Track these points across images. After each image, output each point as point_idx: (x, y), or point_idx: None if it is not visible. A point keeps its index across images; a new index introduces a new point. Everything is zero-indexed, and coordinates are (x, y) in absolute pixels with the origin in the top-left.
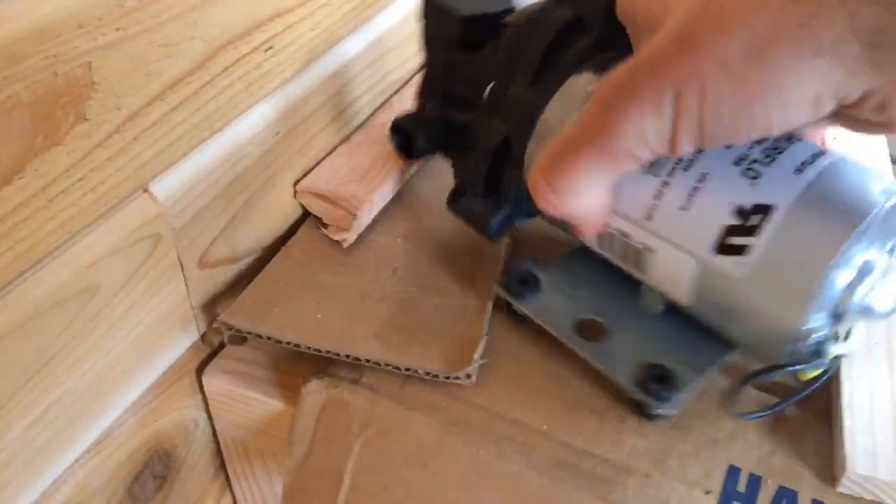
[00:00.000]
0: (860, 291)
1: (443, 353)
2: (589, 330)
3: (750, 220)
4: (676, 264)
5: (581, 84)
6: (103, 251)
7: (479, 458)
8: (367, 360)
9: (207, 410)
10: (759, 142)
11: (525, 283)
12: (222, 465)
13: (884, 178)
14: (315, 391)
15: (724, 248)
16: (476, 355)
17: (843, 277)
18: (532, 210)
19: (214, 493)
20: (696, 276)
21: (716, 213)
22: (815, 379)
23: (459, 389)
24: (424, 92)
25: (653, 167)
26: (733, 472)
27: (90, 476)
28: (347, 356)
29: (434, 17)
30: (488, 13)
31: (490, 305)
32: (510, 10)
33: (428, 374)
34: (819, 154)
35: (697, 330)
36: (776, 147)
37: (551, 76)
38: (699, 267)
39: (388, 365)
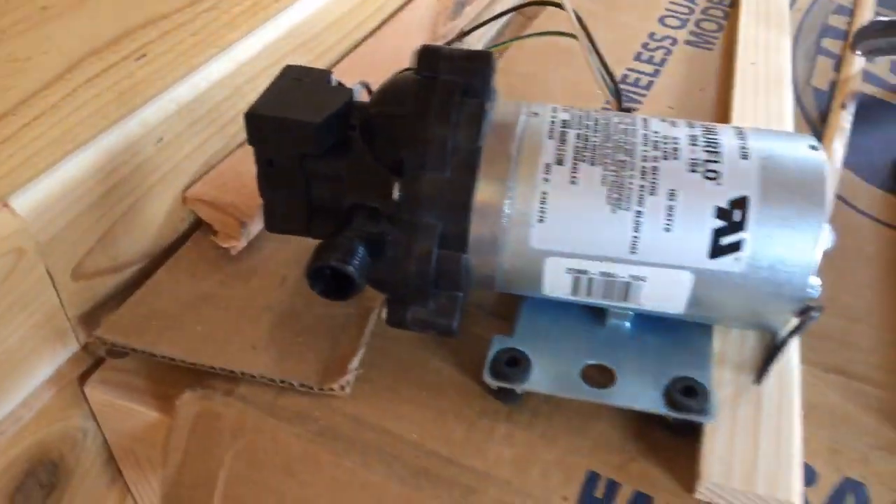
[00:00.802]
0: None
1: (320, 363)
2: (590, 376)
3: (733, 216)
4: (670, 283)
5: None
6: None
7: (344, 467)
8: (242, 373)
9: (96, 419)
10: (692, 142)
11: (516, 363)
12: (119, 472)
13: (798, 136)
14: (189, 403)
15: (719, 251)
16: (351, 366)
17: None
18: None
19: (114, 498)
20: (694, 285)
21: (700, 222)
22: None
23: (333, 400)
24: (304, 218)
25: (619, 202)
26: (592, 478)
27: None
28: (222, 369)
29: (274, 133)
30: (339, 110)
31: (374, 315)
32: (351, 100)
33: (302, 385)
34: (742, 132)
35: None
36: (710, 141)
37: (463, 149)
38: (696, 276)
39: (262, 377)
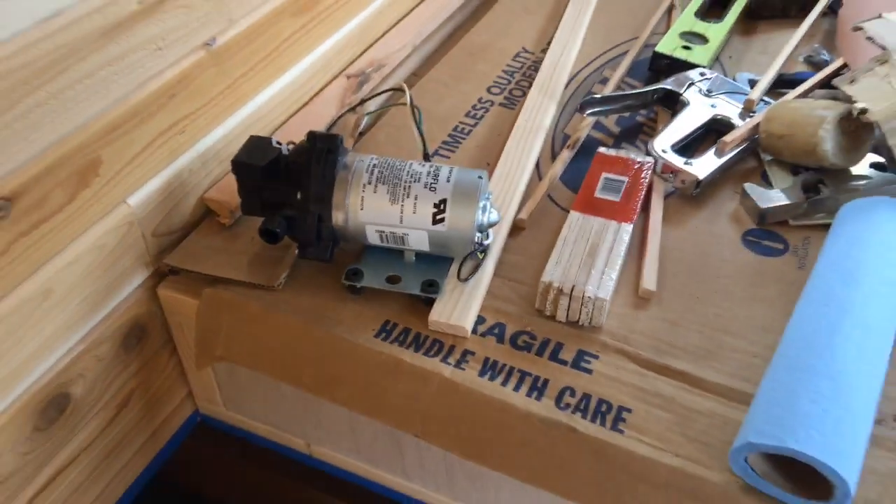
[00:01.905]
0: (484, 217)
1: (268, 274)
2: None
3: (441, 206)
4: (418, 236)
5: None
6: (104, 232)
7: (277, 320)
8: (231, 279)
9: (160, 306)
10: (427, 174)
11: (356, 274)
12: (171, 335)
13: (475, 171)
14: (208, 293)
15: (436, 222)
16: (283, 276)
17: (478, 215)
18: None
19: (168, 348)
20: (429, 237)
21: (427, 209)
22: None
23: (274, 291)
24: (260, 208)
25: (394, 200)
26: (387, 322)
27: (107, 332)
28: (222, 277)
29: (245, 170)
30: (277, 156)
31: (292, 252)
32: (280, 153)
33: (259, 284)
34: (451, 169)
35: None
36: (435, 173)
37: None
38: (428, 233)
39: (242, 280)
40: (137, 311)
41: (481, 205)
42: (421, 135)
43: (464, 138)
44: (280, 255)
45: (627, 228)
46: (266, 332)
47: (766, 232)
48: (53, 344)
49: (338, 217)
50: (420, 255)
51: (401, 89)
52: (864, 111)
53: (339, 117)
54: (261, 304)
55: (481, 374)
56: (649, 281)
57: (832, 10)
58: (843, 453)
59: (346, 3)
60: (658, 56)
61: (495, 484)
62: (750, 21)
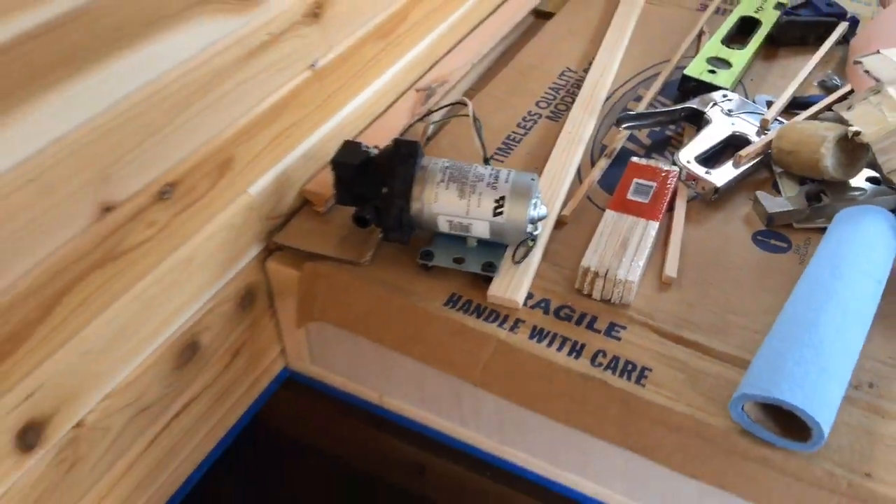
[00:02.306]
0: (534, 212)
1: (358, 251)
2: (455, 260)
3: (500, 201)
4: (481, 225)
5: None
6: (232, 214)
7: (365, 289)
8: (327, 255)
9: (267, 276)
10: (489, 176)
11: (428, 255)
12: (272, 301)
13: (528, 173)
14: (307, 266)
15: (495, 214)
16: (369, 254)
17: (530, 210)
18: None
19: (268, 315)
20: (489, 226)
21: (489, 204)
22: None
23: (363, 266)
24: (353, 200)
25: (462, 196)
26: (453, 294)
27: (229, 295)
28: (319, 253)
29: (342, 168)
30: (367, 158)
31: (377, 235)
32: (369, 155)
33: (351, 260)
34: (508, 172)
35: (490, 246)
36: (495, 175)
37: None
38: (489, 223)
39: (335, 256)
40: (249, 279)
41: (533, 201)
42: (482, 142)
43: (515, 146)
44: (366, 238)
45: (654, 225)
46: (354, 298)
47: (773, 233)
48: (191, 301)
49: (415, 208)
50: (481, 241)
51: (463, 103)
52: (857, 133)
53: (410, 126)
54: (350, 276)
55: (530, 337)
56: (671, 269)
57: (846, 40)
58: (818, 403)
59: (415, 29)
60: (686, 78)
61: (537, 430)
62: (771, 47)
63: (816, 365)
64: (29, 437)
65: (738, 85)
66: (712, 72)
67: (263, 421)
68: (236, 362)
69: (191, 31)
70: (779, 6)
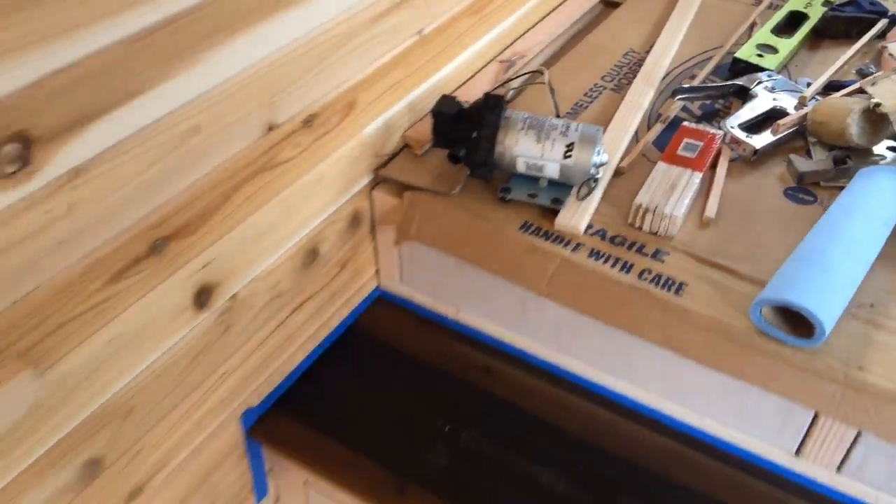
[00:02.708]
0: (597, 158)
1: (449, 185)
2: (529, 195)
3: (570, 147)
4: (552, 166)
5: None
6: (351, 147)
7: (456, 215)
8: (423, 187)
9: (372, 203)
10: (562, 126)
11: (507, 190)
12: (373, 227)
13: (596, 127)
14: (408, 195)
15: (565, 157)
16: (459, 185)
17: (594, 156)
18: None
19: (369, 237)
20: (559, 167)
21: (560, 147)
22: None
23: (453, 197)
24: (448, 142)
25: (538, 140)
26: (525, 222)
27: (344, 213)
28: (416, 185)
29: (440, 117)
30: (461, 109)
31: (465, 174)
32: (462, 107)
33: (442, 192)
34: (577, 124)
35: (558, 185)
36: (566, 125)
37: (494, 123)
38: (559, 164)
39: (428, 188)
40: (358, 205)
41: (597, 149)
42: (555, 102)
43: (582, 111)
44: (455, 175)
45: (698, 175)
46: (444, 223)
47: (802, 189)
48: (317, 213)
49: (498, 151)
50: (551, 181)
51: (539, 72)
52: (878, 105)
53: (494, 90)
54: (441, 204)
55: (588, 256)
56: (710, 210)
57: (884, 35)
58: (821, 307)
59: (501, 9)
60: (737, 60)
61: (589, 338)
62: (817, 39)
63: (823, 279)
64: (202, 297)
65: (784, 70)
66: (760, 56)
67: (360, 328)
68: (342, 274)
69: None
70: (826, 3)
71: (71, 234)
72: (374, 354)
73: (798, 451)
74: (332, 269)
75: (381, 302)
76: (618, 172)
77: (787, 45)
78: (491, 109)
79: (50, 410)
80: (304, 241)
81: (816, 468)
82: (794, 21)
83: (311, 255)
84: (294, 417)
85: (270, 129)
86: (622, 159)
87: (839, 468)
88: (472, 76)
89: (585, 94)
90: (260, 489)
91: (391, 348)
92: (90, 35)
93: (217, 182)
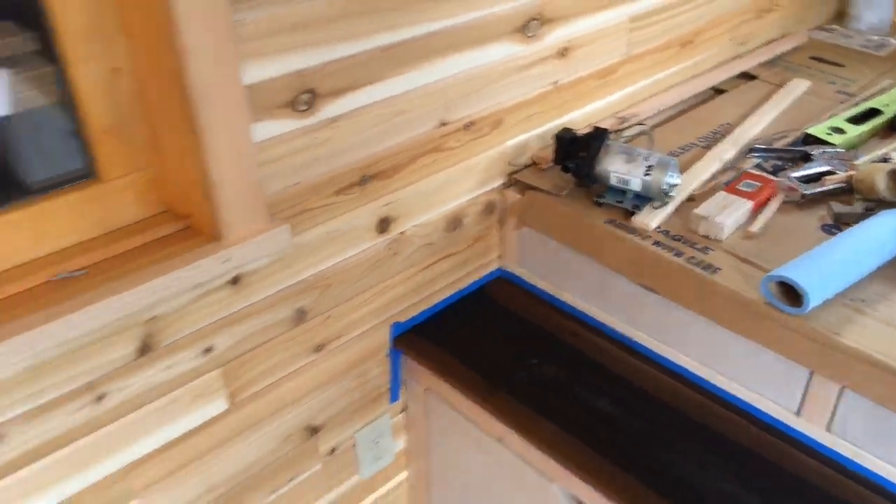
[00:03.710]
0: (671, 179)
1: (559, 188)
2: (618, 200)
3: (649, 168)
4: (636, 181)
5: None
6: (495, 153)
7: (562, 209)
8: (539, 188)
9: (504, 199)
10: (645, 153)
11: (602, 196)
12: (501, 219)
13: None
14: (530, 192)
15: (646, 175)
16: (564, 192)
17: (668, 177)
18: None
19: (496, 227)
20: (641, 182)
21: (643, 168)
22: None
23: (560, 198)
24: (563, 158)
25: (627, 162)
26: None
27: (482, 200)
28: (537, 187)
29: (561, 140)
30: (576, 136)
31: (570, 183)
32: (577, 135)
33: (556, 194)
34: (657, 153)
35: (640, 198)
36: (648, 152)
37: (598, 148)
38: (642, 181)
39: (545, 189)
40: (492, 197)
41: (670, 173)
42: (651, 144)
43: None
44: (565, 182)
45: (750, 203)
46: (553, 215)
47: (835, 225)
48: (465, 192)
49: (599, 167)
50: (635, 193)
51: (642, 123)
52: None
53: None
54: (553, 202)
55: (653, 244)
56: (756, 227)
57: None
58: (811, 284)
59: (625, 78)
60: (808, 135)
61: (658, 313)
62: (889, 131)
63: (819, 266)
64: (383, 225)
65: (849, 151)
66: (829, 134)
67: (483, 292)
68: (475, 246)
69: (499, 46)
70: None
71: (323, 155)
72: (492, 311)
73: (798, 412)
74: (468, 240)
75: (501, 279)
76: (690, 198)
77: (855, 130)
78: (597, 138)
79: (291, 260)
80: (453, 210)
81: (813, 427)
82: (870, 115)
83: (455, 222)
84: (427, 338)
85: (443, 124)
86: (695, 190)
87: (829, 427)
88: (592, 123)
89: (679, 148)
90: (394, 393)
91: (505, 308)
92: (360, 42)
93: (406, 149)
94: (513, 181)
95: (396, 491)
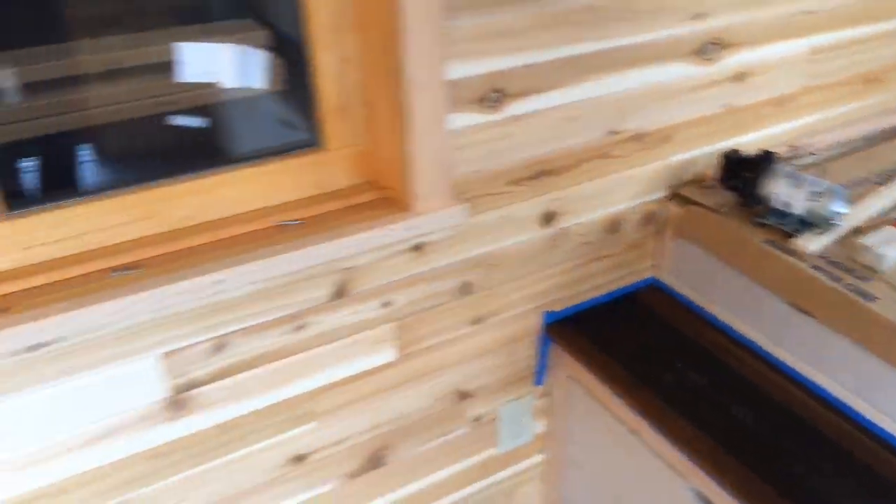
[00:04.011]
0: (837, 208)
1: (717, 204)
2: (778, 221)
3: (816, 194)
4: (801, 205)
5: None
6: (662, 166)
7: (720, 224)
8: (701, 203)
9: (666, 210)
10: (810, 179)
11: (764, 216)
12: (661, 230)
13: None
14: (691, 207)
15: (812, 201)
16: (724, 208)
17: (833, 206)
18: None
19: (654, 234)
20: (806, 207)
21: (809, 194)
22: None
23: (720, 213)
24: (729, 177)
25: (792, 186)
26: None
27: (642, 209)
28: (699, 202)
29: (728, 159)
30: (743, 157)
31: (732, 200)
32: (744, 156)
33: (715, 209)
34: (824, 181)
35: (804, 223)
36: (816, 179)
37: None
38: (806, 205)
39: (706, 205)
40: (651, 208)
41: (836, 201)
42: (822, 174)
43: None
44: (726, 200)
45: None
46: (714, 231)
47: None
48: (625, 199)
49: (763, 189)
50: (798, 218)
51: (814, 154)
52: None
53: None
54: (714, 218)
55: (810, 267)
56: None
57: None
58: None
59: (803, 108)
60: None
61: (806, 335)
62: None
63: None
64: (547, 218)
65: None
66: None
67: (635, 297)
68: (630, 252)
69: (675, 66)
70: None
71: (503, 148)
72: (641, 315)
73: None
74: (624, 245)
75: (653, 286)
76: (856, 230)
77: None
78: (764, 160)
79: (465, 237)
80: (613, 214)
81: None
82: None
83: (614, 226)
84: (577, 331)
85: (612, 133)
86: (862, 223)
87: None
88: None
89: (851, 181)
90: (539, 377)
91: (654, 314)
92: (549, 51)
93: (576, 152)
94: (675, 194)
95: (529, 472)
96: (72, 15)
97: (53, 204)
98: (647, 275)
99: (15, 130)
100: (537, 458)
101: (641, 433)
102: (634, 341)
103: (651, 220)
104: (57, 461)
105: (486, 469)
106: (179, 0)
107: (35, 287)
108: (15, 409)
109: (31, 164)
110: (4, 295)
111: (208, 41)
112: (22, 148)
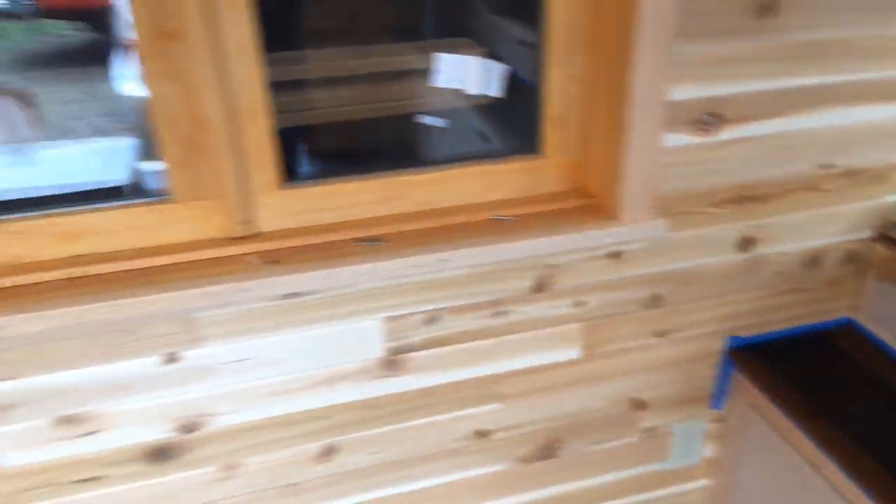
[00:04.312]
0: None
1: None
2: None
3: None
4: None
5: None
6: (868, 205)
7: None
8: None
9: (871, 252)
10: None
11: None
12: (859, 270)
13: None
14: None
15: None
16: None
17: None
18: None
19: (853, 276)
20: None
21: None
22: None
23: None
24: None
25: None
26: None
27: (842, 246)
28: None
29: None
30: None
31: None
32: None
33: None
34: None
35: None
36: None
37: None
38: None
39: None
40: (853, 247)
41: None
42: None
43: None
44: None
45: None
46: None
47: None
48: (827, 235)
49: None
50: None
51: None
52: None
53: None
54: None
55: None
56: None
57: None
58: None
59: None
60: None
61: None
62: None
63: None
64: (744, 243)
65: None
66: None
67: (826, 334)
68: (825, 289)
69: (889, 106)
70: None
71: (710, 171)
72: (831, 353)
73: None
74: (821, 281)
75: (848, 326)
76: None
77: None
78: None
79: (661, 251)
80: (813, 248)
81: None
82: None
83: (813, 261)
84: (761, 359)
85: (823, 166)
86: None
87: None
88: None
89: None
90: (716, 400)
91: (846, 353)
92: (768, 81)
93: (783, 182)
94: (883, 236)
95: (692, 494)
96: (308, 27)
97: (320, 180)
98: (841, 314)
99: (296, 118)
100: (702, 482)
101: (821, 468)
102: (823, 377)
103: (853, 259)
104: (288, 396)
105: (650, 483)
106: (396, 18)
107: (298, 246)
108: (267, 346)
109: (305, 147)
110: (278, 250)
111: (455, 53)
112: (299, 133)
